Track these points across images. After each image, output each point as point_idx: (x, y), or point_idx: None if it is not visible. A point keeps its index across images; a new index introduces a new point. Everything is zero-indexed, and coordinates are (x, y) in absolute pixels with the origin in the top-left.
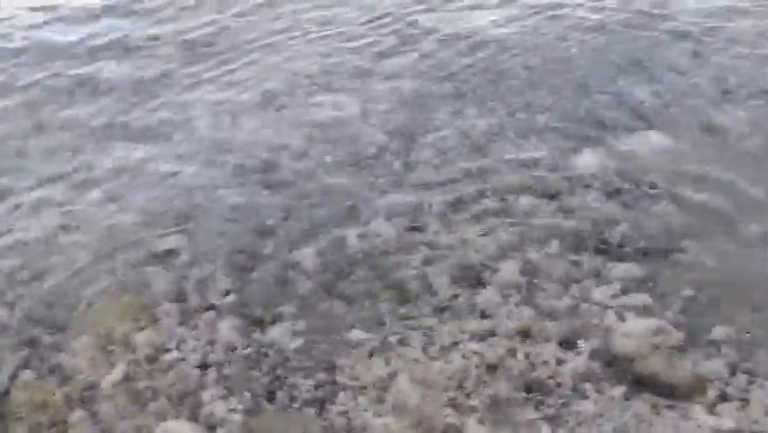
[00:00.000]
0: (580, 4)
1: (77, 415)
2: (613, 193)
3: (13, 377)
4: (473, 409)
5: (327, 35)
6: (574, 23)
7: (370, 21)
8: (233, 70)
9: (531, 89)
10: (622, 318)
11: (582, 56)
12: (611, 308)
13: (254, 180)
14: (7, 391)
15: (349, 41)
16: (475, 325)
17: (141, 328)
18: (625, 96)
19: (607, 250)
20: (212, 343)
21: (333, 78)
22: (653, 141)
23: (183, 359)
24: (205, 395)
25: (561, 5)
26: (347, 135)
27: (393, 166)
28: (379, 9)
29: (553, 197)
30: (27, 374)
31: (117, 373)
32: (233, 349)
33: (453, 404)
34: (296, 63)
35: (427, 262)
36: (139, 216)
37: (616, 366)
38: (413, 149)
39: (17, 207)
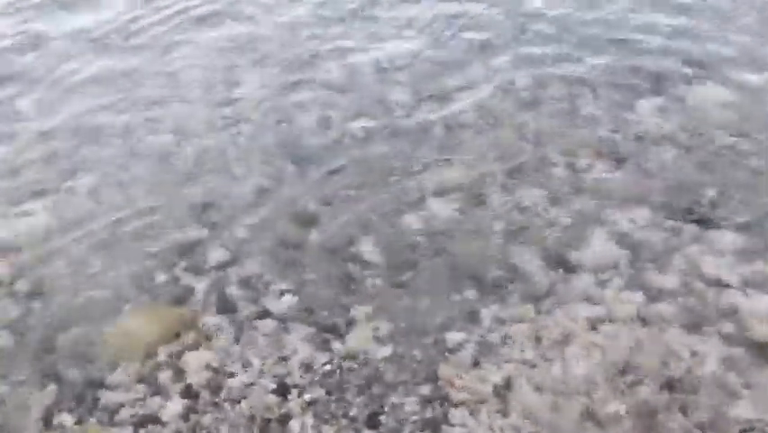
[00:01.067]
0: None
1: None
2: (687, 151)
3: (47, 423)
4: (615, 420)
5: None
6: None
7: None
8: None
9: (565, 36)
10: (745, 295)
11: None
12: (729, 285)
13: (277, 157)
14: None
15: None
16: (584, 313)
17: (190, 348)
18: (672, 43)
19: (700, 216)
20: (284, 360)
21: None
22: (712, 92)
23: (253, 384)
24: (294, 426)
25: None
26: (370, 97)
27: (432, 131)
28: None
29: (623, 157)
30: (63, 418)
31: (175, 405)
32: (312, 366)
33: (590, 414)
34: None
35: (503, 242)
36: (145, 207)
37: (758, 353)
38: (449, 109)
39: None
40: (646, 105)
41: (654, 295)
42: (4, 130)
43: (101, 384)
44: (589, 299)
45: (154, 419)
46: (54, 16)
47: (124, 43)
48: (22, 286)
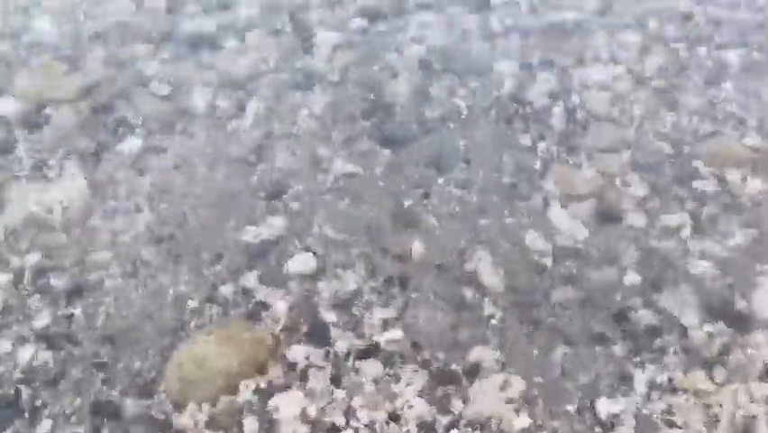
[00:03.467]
0: None
1: None
2: None
3: None
4: None
5: None
6: None
7: None
8: None
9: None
10: None
11: None
12: None
13: (364, 134)
14: None
15: None
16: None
17: (279, 387)
18: None
19: None
20: (396, 418)
21: None
22: None
23: None
24: None
25: None
26: (475, 65)
27: (551, 117)
28: None
29: None
30: None
31: None
32: (434, 430)
33: None
34: None
35: (647, 275)
36: (203, 190)
37: None
38: (570, 88)
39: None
40: None
41: None
42: None
43: (168, 428)
44: None
45: None
46: None
47: None
48: (57, 282)
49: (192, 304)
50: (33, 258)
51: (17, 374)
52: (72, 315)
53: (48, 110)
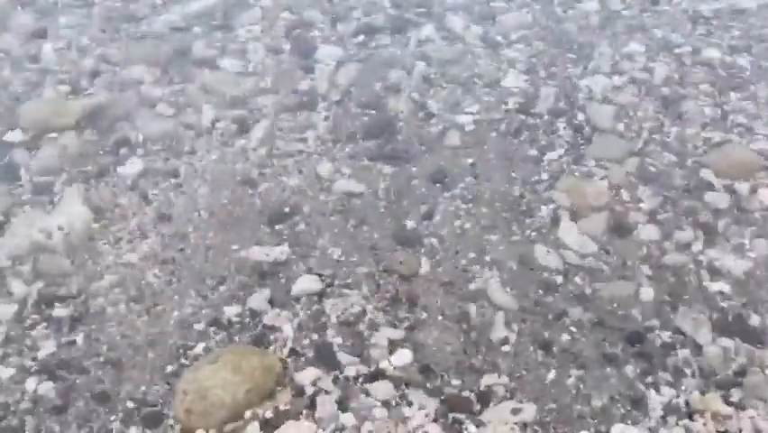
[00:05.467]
0: None
1: None
2: None
3: None
4: None
5: None
6: None
7: None
8: None
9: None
10: None
11: None
12: None
13: (366, 152)
14: None
15: None
16: None
17: (288, 415)
18: None
19: None
20: None
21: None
22: None
23: None
24: None
25: None
26: (480, 79)
27: (557, 129)
28: None
29: None
30: None
31: None
32: None
33: None
34: None
35: (659, 292)
36: (206, 213)
37: None
38: (574, 101)
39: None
40: None
41: None
42: None
43: None
44: None
45: None
46: None
47: None
48: (61, 309)
49: (197, 328)
50: (37, 286)
51: (23, 404)
52: (76, 342)
53: (51, 134)
